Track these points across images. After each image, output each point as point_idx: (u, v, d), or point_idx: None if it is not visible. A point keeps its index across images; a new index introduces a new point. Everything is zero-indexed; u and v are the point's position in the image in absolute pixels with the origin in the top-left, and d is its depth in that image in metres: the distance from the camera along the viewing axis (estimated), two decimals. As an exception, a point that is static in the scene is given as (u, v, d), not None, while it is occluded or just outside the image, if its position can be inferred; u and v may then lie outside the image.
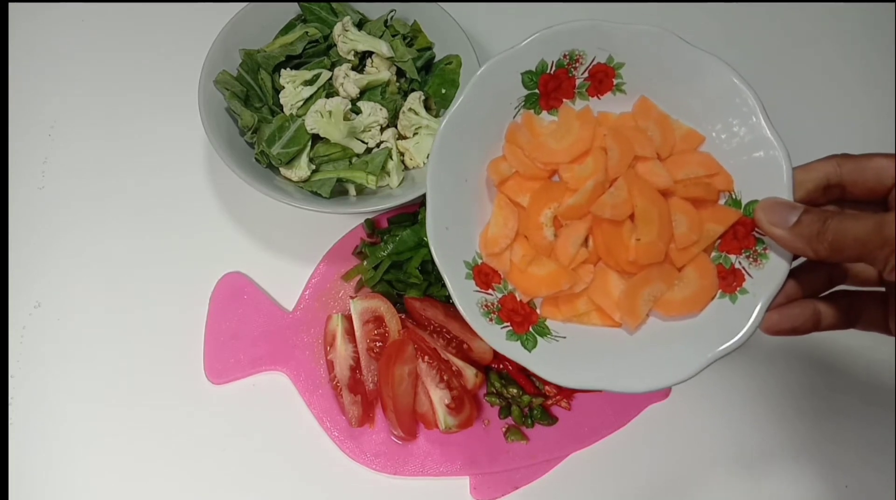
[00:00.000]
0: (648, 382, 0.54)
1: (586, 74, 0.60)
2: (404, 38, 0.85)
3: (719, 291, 0.56)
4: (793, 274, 0.54)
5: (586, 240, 0.58)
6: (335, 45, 0.84)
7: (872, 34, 0.98)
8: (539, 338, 0.57)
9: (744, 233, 0.56)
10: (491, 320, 0.56)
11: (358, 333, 0.76)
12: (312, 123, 0.79)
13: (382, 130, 0.83)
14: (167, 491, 0.75)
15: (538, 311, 0.59)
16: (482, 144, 0.60)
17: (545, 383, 0.76)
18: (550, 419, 0.76)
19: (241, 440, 0.77)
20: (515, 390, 0.76)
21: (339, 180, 0.81)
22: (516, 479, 0.75)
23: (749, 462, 0.78)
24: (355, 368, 0.76)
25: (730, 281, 0.56)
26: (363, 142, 0.82)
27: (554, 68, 0.59)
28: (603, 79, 0.60)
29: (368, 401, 0.76)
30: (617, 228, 0.57)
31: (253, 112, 0.80)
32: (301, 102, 0.82)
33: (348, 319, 0.77)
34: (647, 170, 0.58)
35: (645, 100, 0.60)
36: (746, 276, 0.55)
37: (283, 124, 0.79)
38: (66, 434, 0.77)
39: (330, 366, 0.76)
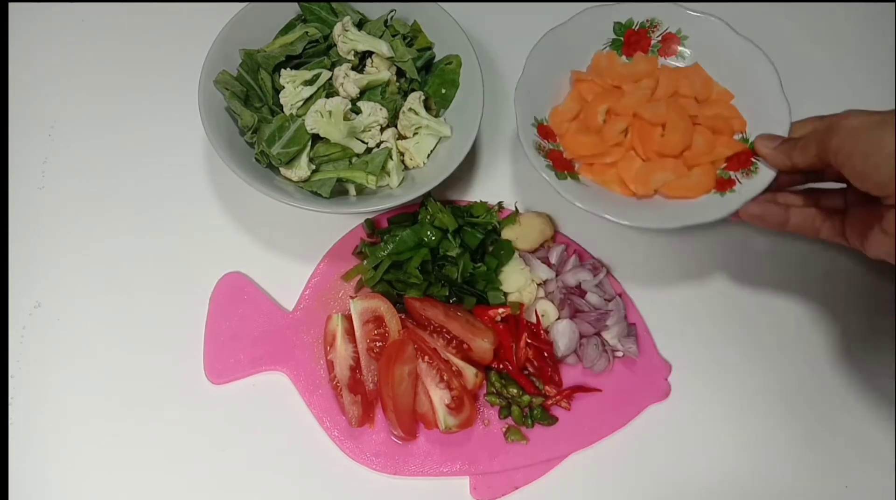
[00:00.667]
0: (649, 222, 0.73)
1: (660, 38, 0.84)
2: (404, 38, 0.85)
3: (714, 189, 0.76)
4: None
5: (625, 132, 0.80)
6: (335, 45, 0.84)
7: (872, 34, 0.99)
8: (570, 178, 0.77)
9: (745, 159, 0.76)
10: (539, 154, 0.75)
11: (358, 333, 0.76)
12: (312, 123, 0.79)
13: (382, 130, 0.83)
14: (167, 490, 0.75)
15: (577, 168, 0.79)
16: (574, 56, 0.83)
17: (546, 382, 0.76)
18: (550, 419, 0.76)
19: (241, 439, 0.77)
20: (515, 390, 0.76)
21: (339, 180, 0.81)
22: (516, 479, 0.75)
23: (749, 462, 0.78)
24: (355, 368, 0.76)
25: (724, 185, 0.76)
26: (363, 142, 0.82)
27: (638, 27, 0.84)
28: (671, 44, 0.84)
29: (368, 401, 0.76)
30: (651, 127, 0.79)
31: (253, 112, 0.80)
32: (301, 102, 0.82)
33: (348, 319, 0.77)
34: (684, 101, 0.80)
35: (698, 65, 0.83)
36: (737, 183, 0.75)
37: (283, 124, 0.79)
38: (65, 434, 0.76)
39: (330, 366, 0.77)
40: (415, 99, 0.82)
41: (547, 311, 0.79)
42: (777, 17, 1.00)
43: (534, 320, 0.78)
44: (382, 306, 0.76)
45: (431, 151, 0.83)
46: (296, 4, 0.85)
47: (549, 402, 0.76)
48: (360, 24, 0.86)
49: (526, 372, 0.77)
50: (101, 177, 0.88)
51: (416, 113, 0.82)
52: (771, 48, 0.92)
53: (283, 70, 0.83)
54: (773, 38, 0.93)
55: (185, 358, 0.79)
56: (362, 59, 0.86)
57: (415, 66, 0.84)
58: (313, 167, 0.81)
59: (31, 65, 0.93)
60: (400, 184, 0.81)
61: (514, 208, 0.84)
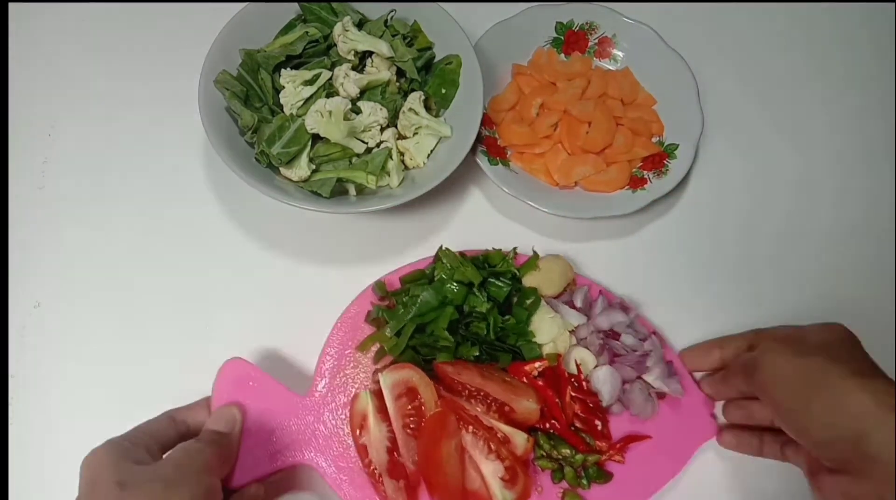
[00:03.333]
0: (566, 212, 0.82)
1: (597, 40, 0.93)
2: (404, 38, 0.85)
3: (628, 186, 0.85)
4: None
5: (555, 126, 0.89)
6: (335, 45, 0.84)
7: (872, 34, 1.00)
8: (501, 164, 0.84)
9: (658, 161, 0.86)
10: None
11: (391, 409, 0.68)
12: (312, 122, 0.78)
13: (382, 129, 0.82)
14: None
15: (508, 155, 0.87)
16: (518, 49, 0.92)
17: (596, 437, 0.71)
18: (606, 476, 0.71)
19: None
20: (567, 450, 0.70)
21: (339, 180, 0.80)
22: (582, 548, 0.69)
23: (748, 462, 0.75)
24: (392, 449, 0.68)
25: (637, 183, 0.85)
26: (363, 142, 0.81)
27: (577, 28, 0.92)
28: (606, 47, 0.94)
29: (411, 485, 0.68)
30: (578, 124, 0.88)
31: (253, 112, 0.80)
32: (301, 102, 0.81)
33: (377, 395, 0.70)
34: (611, 103, 0.90)
35: (628, 69, 0.92)
36: (649, 182, 0.85)
37: (283, 124, 0.79)
38: (65, 434, 0.75)
39: (362, 451, 0.68)
40: (415, 99, 0.82)
41: (585, 359, 0.74)
42: (779, 17, 1.02)
43: (573, 370, 0.73)
44: (415, 377, 0.69)
45: (431, 151, 0.83)
46: (296, 4, 0.85)
47: (604, 458, 0.71)
48: (360, 24, 0.86)
49: (573, 428, 0.71)
50: (101, 177, 0.87)
51: (416, 113, 0.81)
52: (771, 47, 0.99)
53: (283, 70, 0.82)
54: (773, 39, 1.00)
55: (186, 361, 0.77)
56: (362, 59, 0.86)
57: (415, 66, 0.83)
58: (313, 167, 0.80)
59: (31, 65, 0.93)
60: (400, 184, 0.80)
61: (531, 253, 0.79)
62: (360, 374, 0.73)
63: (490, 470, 0.67)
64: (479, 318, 0.72)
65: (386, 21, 0.85)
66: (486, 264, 0.77)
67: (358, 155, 0.81)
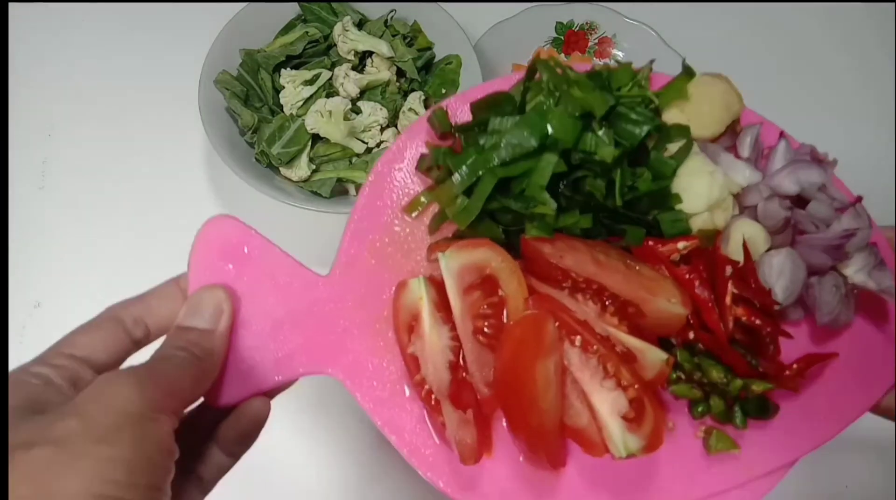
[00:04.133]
0: None
1: (597, 40, 0.93)
2: (404, 38, 0.84)
3: None
4: None
5: None
6: (335, 45, 0.84)
7: (872, 34, 0.99)
8: None
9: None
10: None
11: (457, 307, 0.45)
12: (312, 122, 0.78)
13: (382, 129, 0.82)
14: None
15: None
16: (518, 49, 0.91)
17: (764, 354, 0.47)
18: (770, 410, 0.48)
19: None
20: (721, 374, 0.46)
21: (339, 180, 0.81)
22: (727, 509, 0.47)
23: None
24: (456, 365, 0.45)
25: None
26: (363, 142, 0.81)
27: (577, 28, 0.92)
28: (606, 47, 0.93)
29: (483, 416, 0.46)
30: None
31: (253, 112, 0.80)
32: (301, 102, 0.81)
33: (435, 284, 0.46)
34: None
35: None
36: None
37: (284, 124, 0.79)
38: None
39: (412, 364, 0.46)
40: (415, 99, 0.82)
41: (753, 237, 0.48)
42: (779, 17, 1.00)
43: (737, 254, 0.48)
44: (495, 260, 0.45)
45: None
46: (296, 4, 0.85)
47: (777, 384, 0.47)
48: (360, 24, 0.85)
49: (733, 342, 0.47)
50: (101, 177, 0.87)
51: (417, 113, 0.81)
52: (772, 47, 0.99)
53: (283, 70, 0.83)
54: (773, 38, 1.00)
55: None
56: (362, 59, 0.86)
57: (415, 66, 0.83)
58: (313, 167, 0.81)
59: (31, 65, 0.93)
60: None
61: (681, 67, 0.51)
62: (410, 246, 0.49)
63: (606, 404, 0.44)
64: (598, 172, 0.46)
65: (386, 21, 0.85)
66: (608, 86, 0.49)
67: (358, 155, 0.81)
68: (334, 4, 0.85)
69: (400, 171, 0.51)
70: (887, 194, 0.89)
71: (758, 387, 0.46)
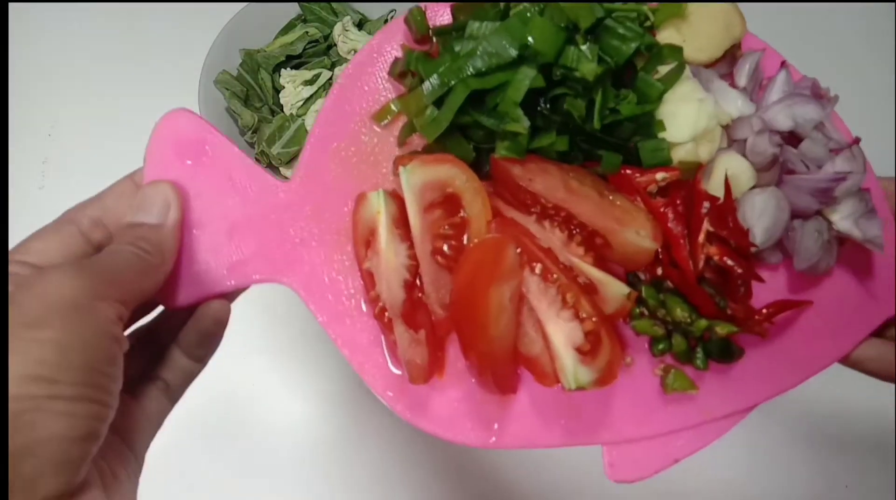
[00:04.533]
0: None
1: None
2: None
3: None
4: None
5: None
6: (335, 45, 0.83)
7: (872, 34, 0.98)
8: None
9: None
10: None
11: (416, 224, 0.43)
12: (312, 122, 0.71)
13: None
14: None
15: None
16: None
17: (733, 297, 0.45)
18: (734, 354, 0.46)
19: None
20: (685, 313, 0.44)
21: None
22: (677, 448, 0.47)
23: (749, 461, 0.72)
24: (412, 284, 0.44)
25: None
26: None
27: None
28: None
29: (437, 337, 0.45)
30: None
31: (253, 112, 0.80)
32: (301, 102, 0.80)
33: (397, 200, 0.43)
34: None
35: None
36: None
37: (284, 124, 0.79)
38: None
39: (369, 280, 0.44)
40: None
41: (739, 173, 0.45)
42: (779, 17, 0.96)
43: (717, 189, 0.45)
44: (459, 178, 0.42)
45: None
46: (296, 4, 0.84)
47: (743, 327, 0.45)
48: (361, 24, 0.84)
49: (702, 282, 0.45)
50: (101, 177, 0.80)
51: None
52: (772, 46, 0.91)
53: (283, 70, 0.82)
54: (772, 38, 0.88)
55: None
56: None
57: None
58: None
59: (31, 65, 0.93)
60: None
61: (679, -14, 0.47)
62: (377, 158, 0.47)
63: (561, 334, 0.42)
64: (578, 90, 0.43)
65: (386, 21, 0.83)
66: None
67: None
68: (334, 4, 0.85)
69: (371, 75, 0.48)
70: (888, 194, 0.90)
71: (722, 329, 0.44)
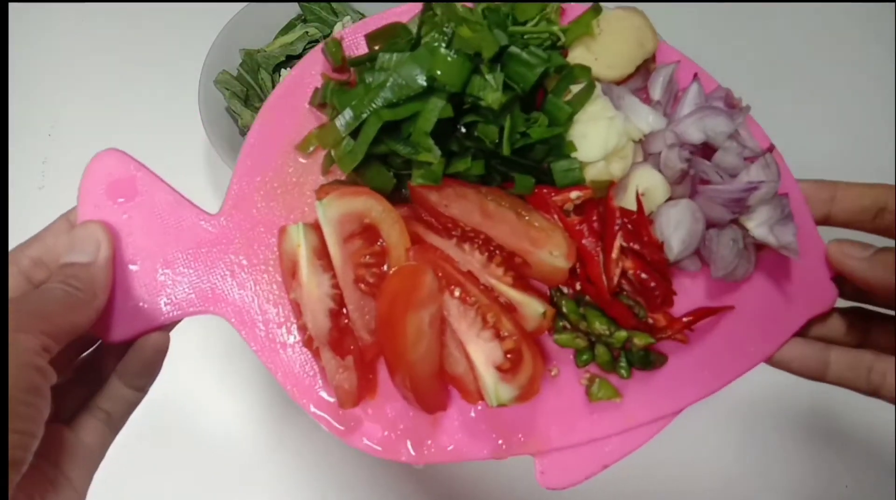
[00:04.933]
0: None
1: None
2: None
3: None
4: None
5: None
6: None
7: (872, 34, 0.98)
8: None
9: None
10: None
11: (336, 255, 0.44)
12: None
13: None
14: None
15: None
16: None
17: (652, 307, 0.46)
18: (657, 361, 0.48)
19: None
20: (603, 326, 0.46)
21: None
22: (605, 453, 0.48)
23: (749, 461, 0.74)
24: (337, 312, 0.45)
25: None
26: None
27: None
28: None
29: (365, 362, 0.46)
30: None
31: (253, 112, 0.80)
32: None
33: (317, 230, 0.45)
34: None
35: None
36: None
37: None
38: None
39: (296, 310, 0.46)
40: None
41: (653, 187, 0.46)
42: (779, 17, 0.98)
43: (630, 204, 0.46)
44: (375, 209, 0.44)
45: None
46: (296, 4, 0.84)
47: (660, 337, 0.47)
48: None
49: (619, 295, 0.47)
50: None
51: None
52: (771, 47, 0.97)
53: (283, 70, 0.82)
54: (773, 38, 0.98)
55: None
56: None
57: None
58: None
59: (31, 65, 0.92)
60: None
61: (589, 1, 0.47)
62: (302, 188, 0.48)
63: (481, 355, 0.44)
64: (488, 117, 0.44)
65: None
66: (511, 20, 0.46)
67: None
68: (334, 4, 0.84)
69: (293, 106, 0.49)
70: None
71: (640, 340, 0.46)
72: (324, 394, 0.47)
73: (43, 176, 0.87)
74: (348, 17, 0.83)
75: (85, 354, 0.48)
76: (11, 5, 0.94)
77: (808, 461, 0.76)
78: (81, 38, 0.94)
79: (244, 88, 0.81)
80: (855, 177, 0.90)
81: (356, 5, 0.86)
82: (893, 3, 0.99)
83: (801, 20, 0.99)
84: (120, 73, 0.92)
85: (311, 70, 0.49)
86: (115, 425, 0.46)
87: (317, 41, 0.83)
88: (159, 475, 0.71)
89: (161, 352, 0.47)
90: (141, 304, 0.47)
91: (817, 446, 0.76)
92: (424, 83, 0.43)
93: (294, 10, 0.85)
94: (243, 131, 0.81)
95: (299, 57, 0.83)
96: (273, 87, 0.81)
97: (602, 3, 0.47)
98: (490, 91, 0.42)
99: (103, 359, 0.48)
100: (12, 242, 0.80)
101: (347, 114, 0.44)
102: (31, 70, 0.92)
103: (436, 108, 0.43)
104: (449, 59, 0.42)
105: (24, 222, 0.82)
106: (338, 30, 0.81)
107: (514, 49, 0.43)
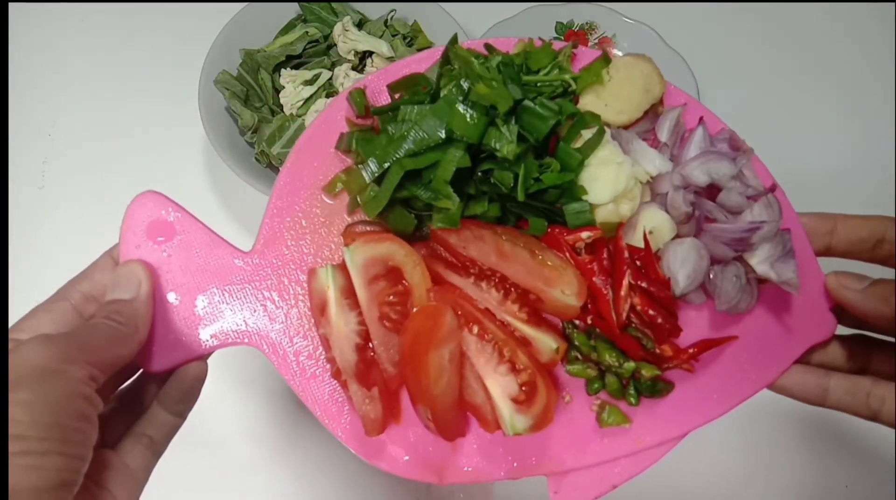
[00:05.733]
0: None
1: (597, 40, 0.92)
2: (404, 38, 0.84)
3: None
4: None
5: None
6: (335, 45, 0.84)
7: (872, 34, 0.99)
8: None
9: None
10: None
11: (363, 297, 0.47)
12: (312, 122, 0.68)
13: None
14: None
15: None
16: None
17: (660, 339, 0.49)
18: (664, 389, 0.51)
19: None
20: (612, 359, 0.49)
21: None
22: (614, 474, 0.52)
23: (749, 461, 0.74)
24: (363, 346, 0.48)
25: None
26: None
27: (577, 28, 0.92)
28: (606, 47, 0.91)
29: (390, 391, 0.49)
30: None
31: (253, 112, 0.80)
32: (301, 102, 0.81)
33: (345, 271, 0.48)
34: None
35: None
36: None
37: (284, 124, 0.78)
38: None
39: (325, 344, 0.49)
40: None
41: (660, 226, 0.49)
42: (779, 16, 1.00)
43: (638, 242, 0.49)
44: (399, 253, 0.47)
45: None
46: (296, 4, 0.85)
47: (666, 367, 0.50)
48: (360, 24, 0.85)
49: (629, 327, 0.50)
50: (100, 177, 0.87)
51: None
52: (772, 46, 0.99)
53: (283, 70, 0.83)
54: (773, 37, 1.00)
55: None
56: (362, 59, 0.85)
57: None
58: None
59: (31, 65, 0.93)
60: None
61: (598, 50, 0.50)
62: (329, 227, 0.51)
63: (498, 388, 0.47)
64: (504, 165, 0.46)
65: (386, 21, 0.85)
66: (525, 68, 0.49)
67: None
68: (334, 4, 0.86)
69: (321, 149, 0.52)
70: (887, 193, 0.89)
71: (647, 372, 0.49)
72: (350, 419, 0.50)
73: (43, 176, 0.88)
74: (348, 17, 0.84)
75: (128, 383, 0.52)
76: (11, 5, 0.95)
77: (809, 461, 0.77)
78: (81, 37, 0.95)
79: (244, 87, 0.82)
80: (854, 175, 0.89)
81: (356, 5, 0.87)
82: (893, 3, 1.01)
83: (801, 19, 1.00)
84: (120, 72, 0.93)
85: (338, 114, 0.52)
86: (157, 449, 0.50)
87: (317, 41, 0.85)
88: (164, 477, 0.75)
89: (200, 380, 0.50)
90: (180, 336, 0.50)
91: (818, 446, 0.77)
92: (443, 135, 0.45)
93: (294, 10, 0.87)
94: (243, 131, 0.81)
95: (299, 57, 0.84)
96: (273, 86, 0.82)
97: (611, 51, 0.50)
98: (506, 143, 0.45)
99: (145, 388, 0.52)
100: (12, 242, 0.81)
101: (372, 164, 0.47)
102: (31, 70, 0.93)
103: (454, 158, 0.45)
104: (467, 116, 0.45)
105: (24, 222, 0.83)
106: (337, 30, 0.83)
107: (527, 103, 0.46)
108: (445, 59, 0.48)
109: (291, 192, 0.51)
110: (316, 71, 0.83)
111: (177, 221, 0.51)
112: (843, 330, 0.53)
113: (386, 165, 0.46)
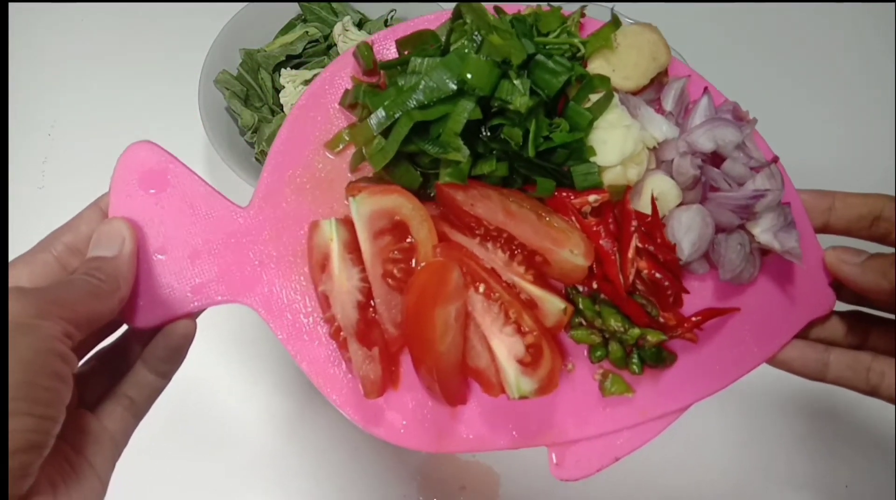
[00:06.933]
0: None
1: None
2: None
3: None
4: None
5: None
6: (335, 44, 0.83)
7: (872, 34, 0.99)
8: None
9: None
10: None
11: (367, 250, 0.46)
12: None
13: None
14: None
15: None
16: None
17: (664, 306, 0.49)
18: (667, 359, 0.50)
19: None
20: (618, 323, 0.48)
21: None
22: (617, 446, 0.51)
23: (748, 460, 0.75)
24: (365, 304, 0.47)
25: None
26: None
27: None
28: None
29: (390, 354, 0.48)
30: None
31: (253, 112, 0.80)
32: None
33: (348, 225, 0.46)
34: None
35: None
36: None
37: None
38: None
39: (324, 302, 0.47)
40: None
41: (666, 192, 0.49)
42: (780, 16, 1.00)
43: (646, 207, 0.49)
44: (406, 207, 0.45)
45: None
46: (296, 4, 0.85)
47: (672, 335, 0.49)
48: (360, 24, 0.85)
49: (633, 294, 0.49)
50: (101, 177, 0.80)
51: None
52: (772, 46, 0.99)
53: (283, 70, 0.82)
54: (773, 38, 1.00)
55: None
56: None
57: None
58: None
59: (31, 65, 0.93)
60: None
61: (610, 15, 0.50)
62: (331, 184, 0.50)
63: (504, 349, 0.46)
64: (515, 120, 0.46)
65: (386, 21, 0.84)
66: (535, 30, 0.48)
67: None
68: (334, 4, 0.85)
69: (324, 105, 0.50)
70: (887, 193, 0.93)
71: (653, 337, 0.48)
72: (348, 383, 0.48)
73: (43, 176, 0.87)
74: (348, 17, 0.83)
75: (110, 341, 0.49)
76: (11, 5, 0.95)
77: (809, 460, 0.76)
78: (81, 38, 0.95)
79: (244, 87, 0.81)
80: (854, 175, 0.87)
81: (356, 5, 0.87)
82: (893, 3, 1.01)
83: (801, 20, 1.00)
84: (120, 73, 0.93)
85: (341, 72, 0.51)
86: (138, 411, 0.47)
87: (317, 41, 0.84)
88: (166, 461, 0.71)
89: (188, 338, 0.48)
90: (169, 291, 0.48)
91: (818, 446, 0.77)
92: (455, 86, 0.45)
93: (294, 10, 0.86)
94: (243, 131, 0.81)
95: (299, 57, 0.84)
96: (273, 86, 0.82)
97: (619, 17, 0.50)
98: (518, 95, 0.45)
99: (129, 347, 0.49)
100: (12, 242, 0.78)
101: (380, 113, 0.46)
102: (31, 70, 0.92)
103: (465, 109, 0.45)
104: (480, 63, 0.44)
105: (24, 222, 0.81)
106: (337, 30, 0.82)
107: (540, 57, 0.46)
108: (457, 15, 0.48)
109: (292, 147, 0.50)
110: (316, 71, 0.82)
111: (171, 172, 0.49)
112: (841, 307, 0.54)
113: (395, 115, 0.45)
